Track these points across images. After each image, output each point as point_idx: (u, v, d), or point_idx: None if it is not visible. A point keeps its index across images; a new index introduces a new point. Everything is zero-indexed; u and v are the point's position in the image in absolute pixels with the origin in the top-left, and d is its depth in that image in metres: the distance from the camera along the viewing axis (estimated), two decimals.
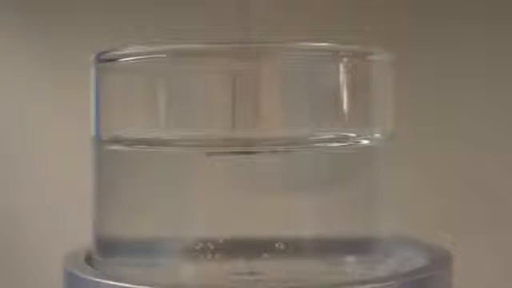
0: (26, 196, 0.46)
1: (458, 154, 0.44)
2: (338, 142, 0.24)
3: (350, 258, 0.24)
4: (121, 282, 0.21)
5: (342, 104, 0.24)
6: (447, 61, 0.44)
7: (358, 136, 0.25)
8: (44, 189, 0.46)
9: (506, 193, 0.45)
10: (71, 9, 0.44)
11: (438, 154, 0.44)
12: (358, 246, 0.24)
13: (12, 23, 0.45)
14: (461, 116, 0.44)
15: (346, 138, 0.25)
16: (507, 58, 0.44)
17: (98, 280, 0.22)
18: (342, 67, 0.24)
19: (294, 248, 0.23)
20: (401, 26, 0.43)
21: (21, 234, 0.47)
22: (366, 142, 0.25)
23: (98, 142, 0.25)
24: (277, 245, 0.23)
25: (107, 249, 0.25)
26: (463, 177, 0.45)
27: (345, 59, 0.24)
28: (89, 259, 0.25)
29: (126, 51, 0.24)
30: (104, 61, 0.25)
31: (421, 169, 0.43)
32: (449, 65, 0.44)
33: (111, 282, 0.22)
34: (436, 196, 0.44)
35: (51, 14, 0.45)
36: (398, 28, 0.42)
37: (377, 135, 0.25)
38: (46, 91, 0.45)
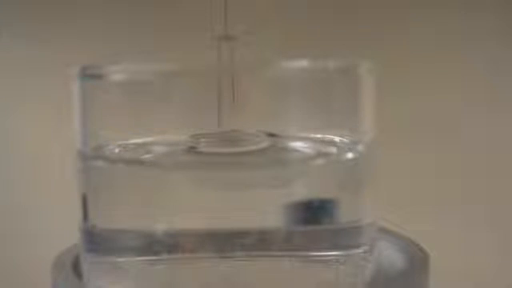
0: (19, 195, 0.47)
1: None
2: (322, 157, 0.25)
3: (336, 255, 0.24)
4: None
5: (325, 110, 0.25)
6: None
7: (341, 142, 0.25)
8: (37, 188, 0.46)
9: None
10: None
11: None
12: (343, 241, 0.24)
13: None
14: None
15: (329, 154, 0.25)
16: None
17: None
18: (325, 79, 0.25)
19: (274, 244, 0.23)
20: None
21: (13, 233, 0.47)
22: (349, 154, 0.25)
23: (83, 156, 0.25)
24: (256, 240, 0.23)
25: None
26: None
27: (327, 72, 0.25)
28: (76, 264, 0.26)
29: (113, 68, 0.25)
30: (90, 76, 0.25)
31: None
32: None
33: None
34: None
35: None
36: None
37: (359, 147, 0.25)
38: (37, 92, 0.45)
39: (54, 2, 0.44)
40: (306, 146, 0.25)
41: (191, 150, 0.25)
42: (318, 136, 0.26)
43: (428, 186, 0.44)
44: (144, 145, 0.26)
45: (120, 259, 0.24)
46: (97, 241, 0.25)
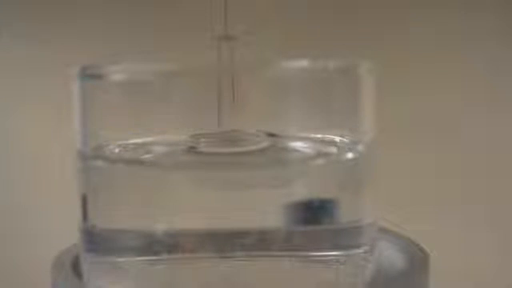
0: (19, 195, 0.47)
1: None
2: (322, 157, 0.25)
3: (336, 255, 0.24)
4: None
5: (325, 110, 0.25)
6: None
7: (341, 142, 0.25)
8: (37, 188, 0.46)
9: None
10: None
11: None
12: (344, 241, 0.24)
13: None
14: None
15: (329, 154, 0.25)
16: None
17: None
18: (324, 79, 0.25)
19: (274, 244, 0.23)
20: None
21: (13, 233, 0.47)
22: (349, 154, 0.25)
23: (83, 156, 0.25)
24: (256, 240, 0.23)
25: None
26: None
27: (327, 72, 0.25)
28: (76, 264, 0.26)
29: (113, 68, 0.25)
30: (90, 76, 0.25)
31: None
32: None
33: None
34: None
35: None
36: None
37: (359, 147, 0.25)
38: (37, 92, 0.45)
39: (54, 2, 0.44)
40: (305, 145, 0.25)
41: (191, 149, 0.25)
42: (318, 136, 0.26)
43: (428, 186, 0.44)
44: (144, 145, 0.26)
45: (120, 259, 0.24)
46: (97, 241, 0.25)
